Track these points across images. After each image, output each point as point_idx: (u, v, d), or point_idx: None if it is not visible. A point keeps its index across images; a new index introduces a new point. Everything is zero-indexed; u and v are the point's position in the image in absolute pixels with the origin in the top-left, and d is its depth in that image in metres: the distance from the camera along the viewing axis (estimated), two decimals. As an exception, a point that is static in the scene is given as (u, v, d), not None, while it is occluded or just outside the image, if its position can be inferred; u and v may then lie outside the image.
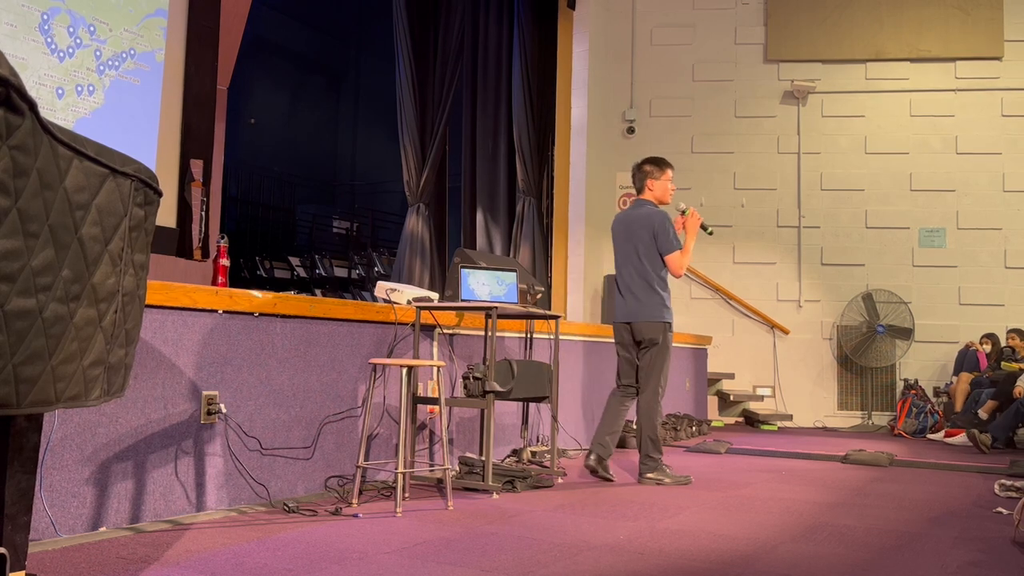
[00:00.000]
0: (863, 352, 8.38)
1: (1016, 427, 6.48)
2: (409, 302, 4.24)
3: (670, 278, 4.58)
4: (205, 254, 5.85)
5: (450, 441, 4.70)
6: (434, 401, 4.02)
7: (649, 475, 4.40)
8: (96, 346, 1.68)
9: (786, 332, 8.67)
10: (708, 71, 9.04)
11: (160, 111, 5.79)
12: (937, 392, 8.13)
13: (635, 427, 4.87)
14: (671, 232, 4.40)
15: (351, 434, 3.99)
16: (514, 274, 4.45)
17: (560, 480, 4.40)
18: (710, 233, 4.59)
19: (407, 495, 3.80)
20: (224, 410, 3.35)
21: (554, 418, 4.62)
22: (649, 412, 4.46)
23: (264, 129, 13.48)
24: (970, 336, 8.16)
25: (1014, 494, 4.15)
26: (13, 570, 1.69)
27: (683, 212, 4.59)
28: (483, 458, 4.04)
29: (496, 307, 4.00)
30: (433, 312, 4.37)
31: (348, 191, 15.28)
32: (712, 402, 8.64)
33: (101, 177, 1.63)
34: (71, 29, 5.19)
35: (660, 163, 4.57)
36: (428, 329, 4.47)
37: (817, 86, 8.80)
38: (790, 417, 8.41)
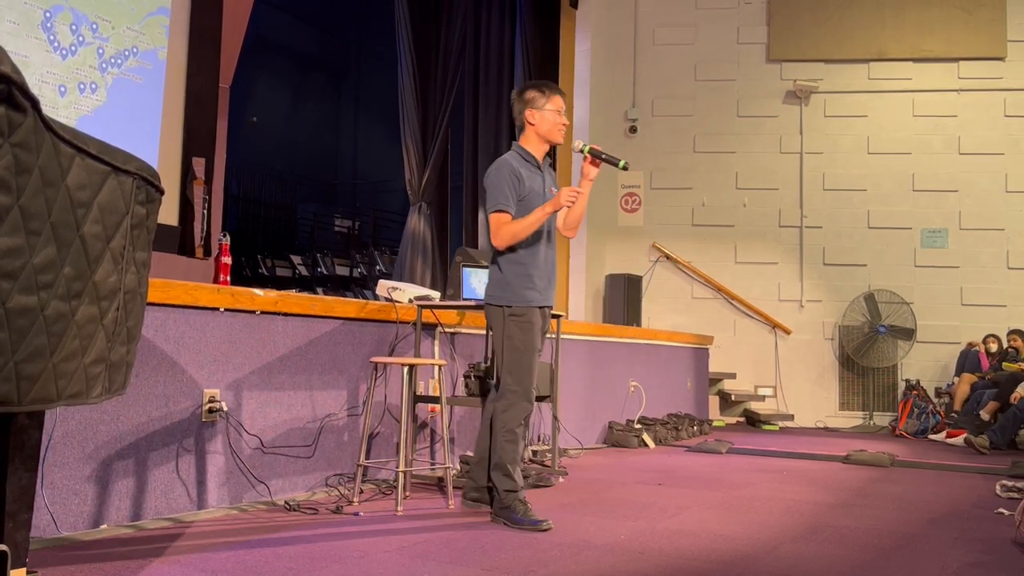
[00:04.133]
0: (865, 352, 8.37)
1: (1016, 431, 6.47)
2: (411, 301, 4.24)
3: (528, 245, 3.37)
4: (207, 252, 5.86)
5: (451, 440, 4.70)
6: (435, 400, 4.02)
7: (497, 513, 3.30)
8: (97, 344, 1.68)
9: (788, 332, 8.67)
10: (710, 71, 9.03)
11: (162, 109, 5.79)
12: (939, 392, 8.12)
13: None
14: (498, 185, 3.32)
15: (352, 433, 3.99)
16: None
17: (561, 480, 4.40)
18: (624, 168, 3.34)
19: (408, 494, 3.80)
20: (225, 408, 3.35)
21: (555, 417, 4.62)
22: (497, 426, 3.34)
23: (266, 128, 13.48)
24: (972, 337, 8.14)
25: (1015, 495, 4.15)
26: (14, 567, 1.69)
27: (582, 152, 3.43)
28: (484, 457, 4.03)
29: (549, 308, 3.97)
30: (434, 311, 4.37)
31: (350, 190, 15.28)
32: (713, 402, 8.63)
33: (103, 175, 1.63)
34: (73, 27, 5.19)
35: (545, 88, 3.42)
36: (429, 328, 4.47)
37: (819, 86, 8.78)
38: (791, 417, 8.40)
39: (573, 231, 3.57)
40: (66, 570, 2.37)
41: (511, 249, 3.35)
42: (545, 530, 3.13)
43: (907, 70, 8.74)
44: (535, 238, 3.37)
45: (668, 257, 8.85)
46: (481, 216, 8.86)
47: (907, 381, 8.09)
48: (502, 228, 3.30)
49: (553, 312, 4.59)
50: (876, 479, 4.72)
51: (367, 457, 4.02)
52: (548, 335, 5.41)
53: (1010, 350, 7.41)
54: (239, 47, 6.64)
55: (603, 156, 3.39)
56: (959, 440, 6.74)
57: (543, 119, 3.38)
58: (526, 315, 3.32)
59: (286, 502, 3.44)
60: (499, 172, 3.34)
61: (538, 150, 3.44)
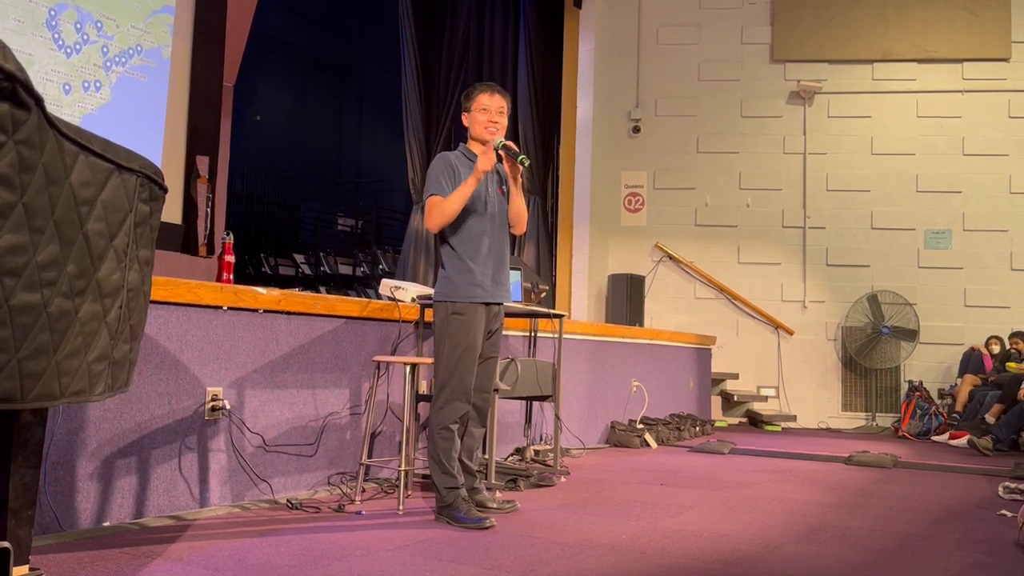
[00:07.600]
0: (868, 353, 8.36)
1: (1021, 428, 6.46)
2: (413, 300, 4.25)
3: (468, 239, 3.36)
4: (210, 251, 5.87)
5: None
6: (437, 399, 4.01)
7: (439, 512, 3.28)
8: (100, 341, 1.68)
9: (790, 333, 8.66)
10: (714, 71, 9.02)
11: (166, 108, 5.80)
12: (941, 394, 8.11)
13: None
14: (434, 175, 3.34)
15: (354, 431, 3.99)
16: (518, 272, 4.45)
17: (563, 479, 4.40)
18: (527, 165, 3.29)
19: (410, 493, 3.80)
20: (228, 406, 3.36)
21: (557, 417, 4.62)
22: (433, 423, 3.31)
23: (269, 126, 13.50)
24: (975, 338, 8.13)
25: (1018, 496, 4.14)
26: (16, 564, 1.69)
27: (499, 149, 3.34)
28: (486, 456, 4.04)
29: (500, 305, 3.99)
30: (437, 310, 4.36)
31: (353, 188, 15.29)
32: (716, 402, 8.63)
33: (107, 173, 1.63)
34: (78, 25, 5.20)
35: (473, 89, 3.46)
36: (432, 327, 4.47)
37: (823, 86, 8.77)
38: (794, 418, 8.39)
39: (517, 228, 3.51)
40: (68, 567, 2.37)
41: (451, 246, 3.36)
42: (488, 527, 3.11)
43: (911, 71, 8.72)
44: (476, 233, 3.35)
45: (671, 257, 8.84)
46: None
47: (910, 382, 8.08)
48: (432, 208, 3.30)
49: (555, 312, 4.60)
50: (878, 480, 4.72)
51: (369, 456, 4.02)
52: (552, 335, 5.43)
53: (1012, 352, 7.40)
54: (243, 46, 6.65)
55: (510, 152, 3.33)
56: (962, 441, 6.73)
57: (472, 120, 3.41)
58: (467, 313, 3.29)
59: (288, 500, 3.44)
60: (436, 164, 3.38)
61: (480, 150, 3.41)
